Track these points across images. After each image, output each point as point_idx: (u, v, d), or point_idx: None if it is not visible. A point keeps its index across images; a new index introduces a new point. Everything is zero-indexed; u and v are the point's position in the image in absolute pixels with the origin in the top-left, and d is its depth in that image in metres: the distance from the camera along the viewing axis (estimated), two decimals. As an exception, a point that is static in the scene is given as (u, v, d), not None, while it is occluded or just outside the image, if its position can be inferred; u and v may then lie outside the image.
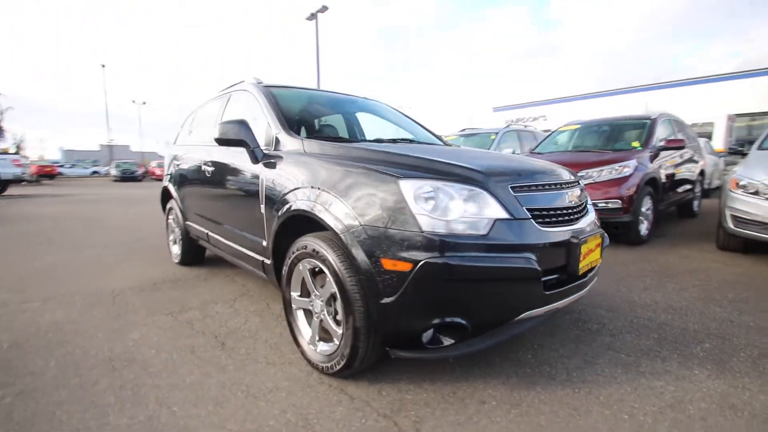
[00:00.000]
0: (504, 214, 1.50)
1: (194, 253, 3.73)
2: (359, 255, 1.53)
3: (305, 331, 1.96)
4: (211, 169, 2.80)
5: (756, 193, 3.35)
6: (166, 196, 3.99)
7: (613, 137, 5.23)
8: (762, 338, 2.13)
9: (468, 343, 1.55)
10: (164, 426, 1.49)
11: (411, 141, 2.77)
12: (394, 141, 2.63)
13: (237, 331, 2.32)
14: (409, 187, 1.50)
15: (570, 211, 1.77)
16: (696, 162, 5.88)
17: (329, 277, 1.70)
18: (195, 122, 3.63)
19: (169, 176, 3.81)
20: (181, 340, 2.21)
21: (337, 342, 1.73)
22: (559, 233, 1.62)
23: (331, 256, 1.64)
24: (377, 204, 1.53)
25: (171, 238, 4.02)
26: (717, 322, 2.33)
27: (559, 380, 1.76)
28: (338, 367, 1.70)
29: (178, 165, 3.54)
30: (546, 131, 8.19)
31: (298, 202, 1.83)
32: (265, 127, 2.35)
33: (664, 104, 21.43)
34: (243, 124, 2.21)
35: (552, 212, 1.67)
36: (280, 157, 2.10)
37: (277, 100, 2.47)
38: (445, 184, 1.51)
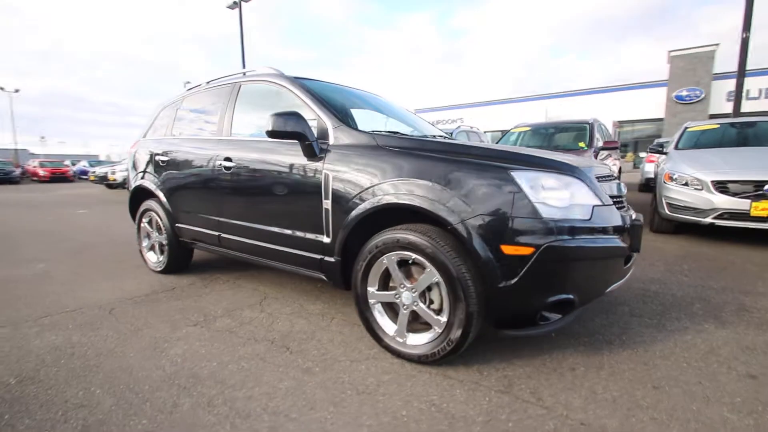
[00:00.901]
0: (597, 201, 1.72)
1: (183, 259, 3.37)
2: (477, 243, 1.61)
3: (387, 324, 1.97)
4: (232, 165, 2.58)
5: (686, 184, 4.15)
6: (139, 197, 3.52)
7: (560, 138, 5.95)
8: (731, 296, 2.70)
9: (565, 318, 1.73)
10: (298, 433, 1.41)
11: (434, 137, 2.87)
12: (424, 136, 2.72)
13: (291, 335, 2.21)
14: (524, 178, 1.62)
15: (621, 198, 2.07)
16: (617, 160, 6.97)
17: (429, 268, 1.74)
18: (184, 115, 3.27)
19: (148, 175, 3.36)
20: (237, 350, 2.03)
21: (438, 330, 1.78)
22: (626, 216, 1.89)
23: (435, 247, 1.69)
24: (492, 194, 1.62)
25: (146, 244, 3.55)
26: (693, 288, 2.88)
27: (616, 344, 2.05)
28: (443, 354, 1.76)
29: (165, 162, 3.15)
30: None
31: (389, 195, 1.83)
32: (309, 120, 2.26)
33: (562, 111, 24.67)
34: (300, 116, 2.10)
35: (615, 199, 1.94)
36: (347, 152, 2.06)
37: (318, 93, 2.39)
38: (554, 175, 1.67)
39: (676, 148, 5.03)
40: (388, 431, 1.42)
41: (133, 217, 3.66)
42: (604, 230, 1.69)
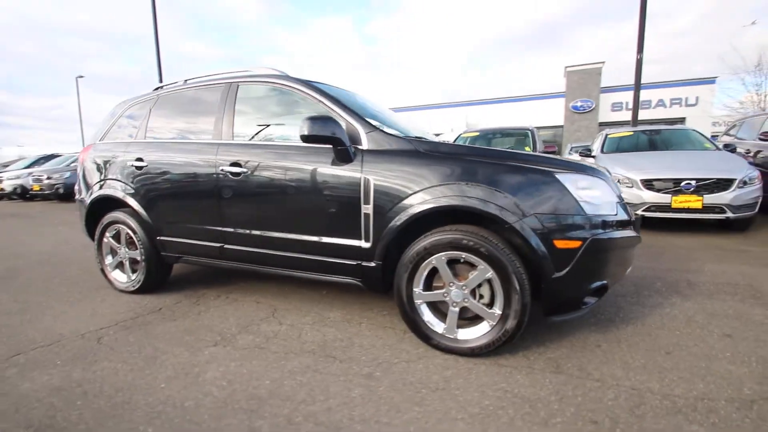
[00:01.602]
0: (617, 198, 2.00)
1: (161, 276, 3.03)
2: (534, 239, 1.77)
3: (435, 322, 2.04)
4: (240, 170, 2.41)
5: (618, 182, 4.89)
6: (100, 208, 3.07)
7: (505, 143, 6.53)
8: (678, 274, 3.26)
9: (598, 301, 1.98)
10: (401, 436, 1.42)
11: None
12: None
13: (328, 344, 2.16)
14: (567, 180, 1.83)
15: (620, 195, 2.41)
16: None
17: (482, 265, 1.87)
18: (161, 115, 2.94)
19: (116, 182, 2.95)
20: (282, 365, 1.93)
21: (492, 322, 1.90)
22: (630, 210, 2.22)
23: (491, 245, 1.82)
24: (543, 195, 1.80)
25: (110, 261, 3.12)
26: (647, 270, 3.41)
27: (618, 321, 2.37)
28: (498, 344, 1.89)
29: (142, 168, 2.81)
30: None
31: (444, 198, 1.90)
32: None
33: (480, 118, 26.78)
34: (335, 121, 2.07)
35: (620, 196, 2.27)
36: (387, 156, 2.08)
37: (339, 97, 2.37)
38: (586, 176, 1.90)
39: (602, 151, 5.86)
40: (482, 421, 1.50)
41: (91, 232, 3.18)
42: (625, 223, 1.97)
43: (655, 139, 5.77)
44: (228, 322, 2.49)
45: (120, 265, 3.10)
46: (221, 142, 2.55)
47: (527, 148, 6.07)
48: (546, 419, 1.51)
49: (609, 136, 6.13)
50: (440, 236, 1.92)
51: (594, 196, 1.88)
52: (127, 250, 3.02)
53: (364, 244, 2.13)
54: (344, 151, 2.12)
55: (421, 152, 2.06)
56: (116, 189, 2.94)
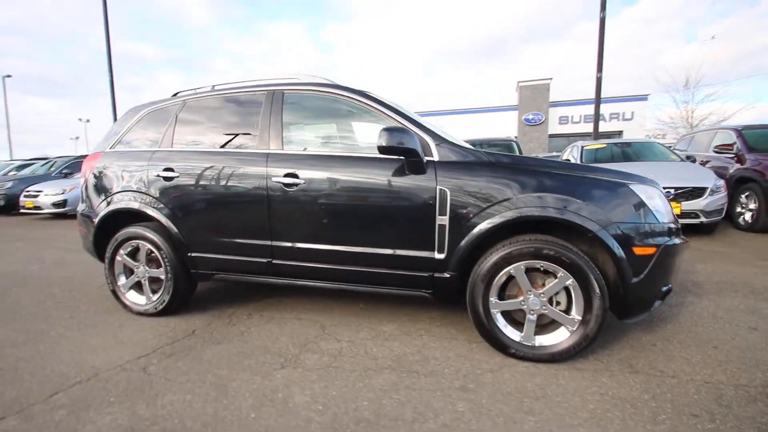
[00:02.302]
0: (670, 207, 2.17)
1: (186, 296, 2.79)
2: (615, 247, 1.88)
3: (512, 332, 2.08)
4: (297, 182, 2.31)
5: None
6: (112, 224, 2.78)
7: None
8: (683, 275, 3.55)
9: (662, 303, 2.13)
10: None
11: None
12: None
13: (402, 358, 2.12)
14: (640, 190, 1.96)
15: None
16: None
17: (562, 272, 1.94)
18: (189, 123, 2.73)
19: (137, 195, 2.69)
20: (368, 383, 1.87)
21: (571, 327, 1.98)
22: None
23: (570, 253, 1.90)
24: (621, 204, 1.92)
25: (123, 282, 2.82)
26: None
27: (657, 322, 2.56)
28: (579, 349, 1.96)
29: (173, 179, 2.59)
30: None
31: (528, 208, 1.96)
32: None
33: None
34: (410, 132, 2.06)
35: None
36: (462, 168, 2.10)
37: (400, 108, 2.36)
38: (655, 188, 2.05)
39: (582, 161, 6.31)
40: (599, 425, 1.55)
41: (100, 250, 2.87)
42: (679, 230, 2.14)
43: (627, 151, 6.32)
44: (281, 341, 2.35)
45: (137, 286, 2.81)
46: (272, 152, 2.42)
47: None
48: (653, 417, 1.59)
49: (585, 148, 6.60)
50: (521, 246, 1.97)
51: (660, 204, 2.03)
52: (146, 268, 2.75)
53: (438, 255, 2.13)
54: (418, 163, 2.11)
55: (494, 163, 2.11)
56: (136, 201, 2.68)
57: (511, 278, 2.05)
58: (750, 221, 5.48)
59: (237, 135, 2.58)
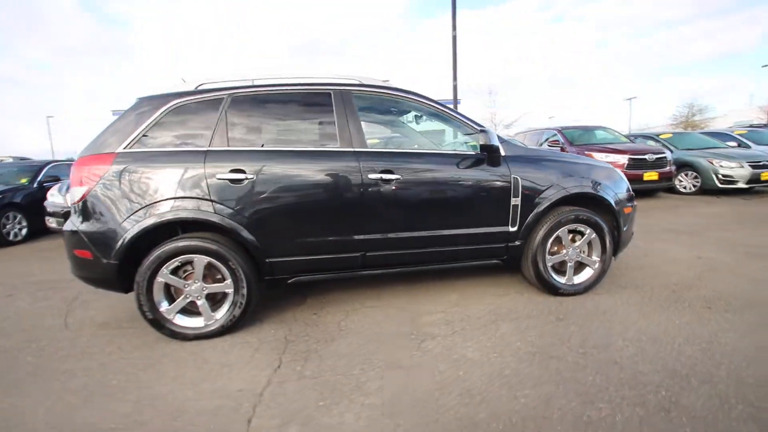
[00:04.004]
0: (620, 182, 3.38)
1: (254, 306, 2.58)
2: (619, 210, 2.88)
3: (557, 277, 2.88)
4: (393, 177, 2.51)
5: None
6: (148, 239, 2.32)
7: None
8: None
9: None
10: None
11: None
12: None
13: (496, 311, 2.65)
14: (621, 173, 3.03)
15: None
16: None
17: (588, 230, 2.85)
18: (241, 122, 2.48)
19: (194, 202, 2.30)
20: (498, 332, 2.36)
21: (594, 267, 2.91)
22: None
23: (595, 216, 2.83)
24: (617, 182, 2.95)
25: (166, 307, 2.38)
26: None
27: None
28: (599, 280, 2.92)
29: (243, 182, 2.34)
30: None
31: (569, 189, 2.76)
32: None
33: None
34: (494, 133, 2.60)
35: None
36: (522, 160, 2.76)
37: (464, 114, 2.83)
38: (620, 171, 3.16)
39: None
40: (616, 312, 2.49)
41: (121, 275, 2.33)
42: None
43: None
44: (388, 326, 2.52)
45: (189, 308, 2.42)
46: (363, 150, 2.53)
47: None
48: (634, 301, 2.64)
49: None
50: (567, 215, 2.78)
51: (627, 181, 3.15)
52: (203, 284, 2.41)
53: (512, 228, 2.75)
54: (498, 157, 2.66)
55: (540, 156, 2.85)
56: (194, 210, 2.31)
57: (555, 239, 2.84)
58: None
59: (316, 133, 2.56)
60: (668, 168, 7.32)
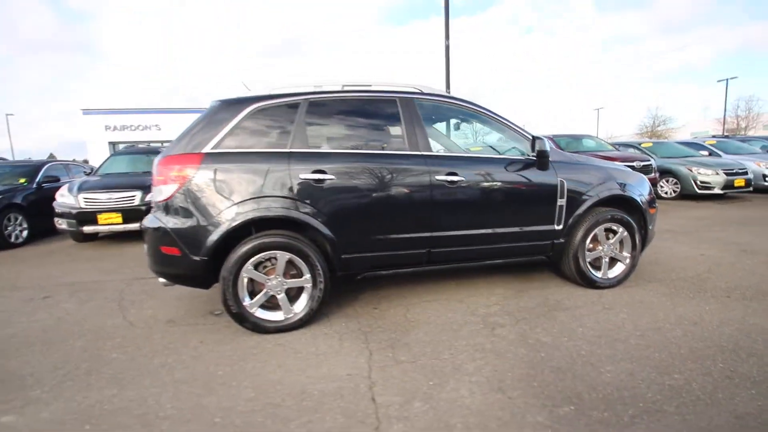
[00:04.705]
0: (639, 186, 3.74)
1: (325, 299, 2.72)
2: (645, 210, 3.22)
3: (594, 271, 3.17)
4: (458, 179, 2.72)
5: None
6: (234, 237, 2.42)
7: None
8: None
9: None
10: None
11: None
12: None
13: (547, 302, 2.91)
14: (644, 178, 3.38)
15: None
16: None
17: (621, 229, 3.17)
18: (316, 125, 2.65)
19: (283, 201, 2.43)
20: (557, 320, 2.60)
21: (625, 262, 3.23)
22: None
23: (626, 215, 3.15)
24: (642, 184, 3.28)
25: (249, 301, 2.49)
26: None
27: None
28: (629, 275, 3.24)
29: (323, 182, 2.48)
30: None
31: (609, 191, 3.07)
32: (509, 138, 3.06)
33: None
34: (546, 139, 2.87)
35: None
36: (565, 165, 3.04)
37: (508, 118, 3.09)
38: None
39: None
40: (644, 304, 2.81)
41: (208, 271, 2.42)
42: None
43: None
44: (454, 317, 2.72)
45: (270, 302, 2.53)
46: (431, 154, 2.73)
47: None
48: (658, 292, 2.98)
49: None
50: (604, 215, 3.09)
51: (650, 184, 3.51)
52: (283, 279, 2.53)
53: (557, 227, 3.02)
54: (547, 162, 2.93)
55: (579, 161, 3.15)
56: (282, 208, 2.45)
57: (592, 237, 3.14)
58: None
59: (384, 137, 2.74)
60: (654, 174, 7.90)
